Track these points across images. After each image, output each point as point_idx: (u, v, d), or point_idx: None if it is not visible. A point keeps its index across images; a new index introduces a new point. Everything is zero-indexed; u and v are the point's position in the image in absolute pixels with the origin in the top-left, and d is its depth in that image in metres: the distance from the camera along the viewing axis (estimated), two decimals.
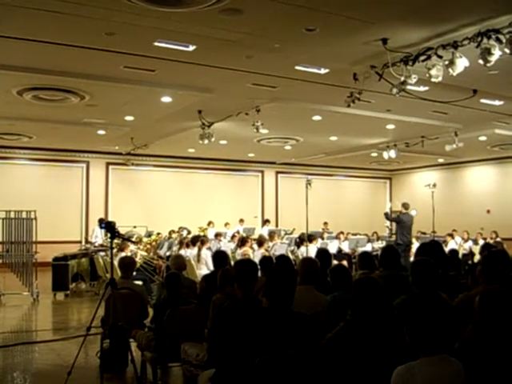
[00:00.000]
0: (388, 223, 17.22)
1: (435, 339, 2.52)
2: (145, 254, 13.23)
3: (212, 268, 7.17)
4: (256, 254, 11.22)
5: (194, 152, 18.88)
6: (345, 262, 12.88)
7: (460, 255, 12.44)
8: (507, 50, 6.70)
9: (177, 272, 6.00)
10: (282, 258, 6.64)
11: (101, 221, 14.22)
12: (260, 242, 12.30)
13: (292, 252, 14.13)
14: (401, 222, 13.22)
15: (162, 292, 6.37)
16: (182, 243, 12.41)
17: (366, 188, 24.69)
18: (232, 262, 7.46)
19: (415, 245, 12.94)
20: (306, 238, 13.62)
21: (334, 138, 16.32)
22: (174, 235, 15.27)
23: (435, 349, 2.52)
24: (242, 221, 18.58)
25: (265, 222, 19.77)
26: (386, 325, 3.16)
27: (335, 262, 11.28)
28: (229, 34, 7.43)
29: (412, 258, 9.79)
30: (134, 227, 15.81)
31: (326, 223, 19.40)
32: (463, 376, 2.51)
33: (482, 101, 11.00)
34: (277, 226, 20.49)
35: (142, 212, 19.03)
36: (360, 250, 13.64)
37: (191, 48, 8.08)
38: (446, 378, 2.48)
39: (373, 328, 3.14)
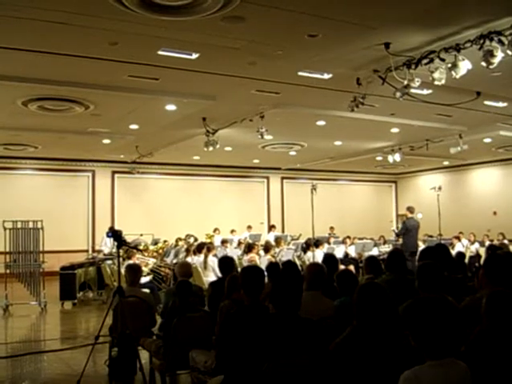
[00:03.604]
0: (394, 227, 17.20)
1: (441, 343, 2.52)
2: (154, 260, 13.25)
3: (219, 274, 7.18)
4: (262, 260, 11.23)
5: (199, 159, 18.91)
6: (351, 267, 12.83)
7: (467, 258, 12.39)
8: (510, 52, 6.71)
9: (187, 279, 6.02)
10: (289, 264, 6.64)
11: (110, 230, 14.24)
12: (266, 247, 12.33)
13: (298, 257, 14.11)
14: (408, 228, 13.19)
15: (170, 299, 6.39)
16: (189, 250, 12.43)
17: (371, 192, 24.64)
18: (239, 269, 7.46)
19: (421, 248, 12.90)
20: (312, 243, 13.63)
21: (338, 143, 16.33)
22: (180, 243, 15.27)
23: (441, 352, 2.51)
24: (249, 227, 18.59)
25: (271, 227, 19.77)
26: (392, 329, 3.16)
27: (342, 266, 11.25)
28: (231, 41, 7.47)
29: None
30: (141, 235, 15.83)
31: (332, 228, 19.40)
32: (470, 379, 2.51)
33: (486, 103, 10.98)
34: (283, 231, 20.48)
35: (148, 220, 19.05)
36: (366, 254, 13.62)
37: (194, 56, 8.11)
38: (452, 382, 2.48)
39: (379, 333, 3.13)
